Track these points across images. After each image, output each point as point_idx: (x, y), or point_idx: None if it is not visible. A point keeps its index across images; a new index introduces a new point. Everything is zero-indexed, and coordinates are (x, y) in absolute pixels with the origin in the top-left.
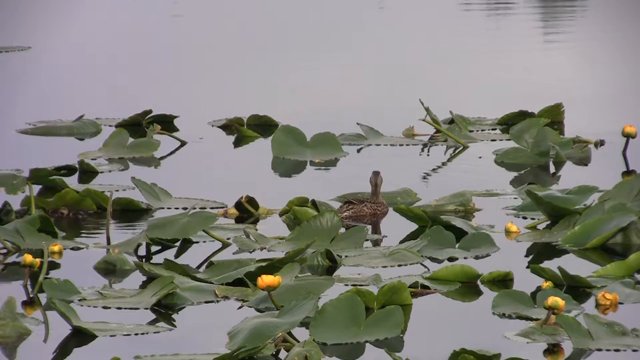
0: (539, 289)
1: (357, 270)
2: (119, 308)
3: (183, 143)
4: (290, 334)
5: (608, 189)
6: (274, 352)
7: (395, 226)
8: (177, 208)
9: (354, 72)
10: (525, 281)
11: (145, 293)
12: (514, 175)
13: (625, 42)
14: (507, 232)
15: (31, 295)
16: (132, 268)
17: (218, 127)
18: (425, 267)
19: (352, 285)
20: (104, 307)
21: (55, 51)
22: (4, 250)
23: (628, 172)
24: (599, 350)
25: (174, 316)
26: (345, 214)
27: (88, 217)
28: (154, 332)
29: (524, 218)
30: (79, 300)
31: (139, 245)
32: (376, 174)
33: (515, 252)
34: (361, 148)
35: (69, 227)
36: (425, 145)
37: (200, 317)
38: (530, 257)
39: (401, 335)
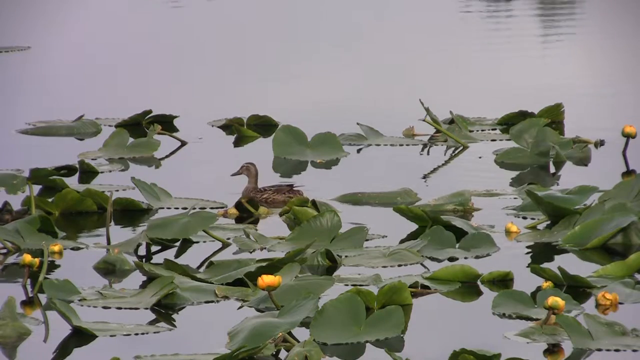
0: (539, 289)
1: (357, 270)
2: (119, 308)
3: (183, 143)
4: (290, 334)
5: (608, 189)
6: (274, 352)
7: (395, 226)
8: (177, 208)
9: (354, 72)
10: (525, 281)
11: (145, 293)
12: (514, 175)
13: (625, 42)
14: (507, 232)
15: (31, 295)
16: (132, 268)
17: (218, 127)
18: (425, 267)
19: (352, 285)
20: (104, 307)
21: (55, 51)
22: (4, 250)
23: (628, 172)
24: (599, 350)
25: (174, 316)
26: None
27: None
28: (154, 332)
29: (524, 218)
30: (79, 300)
31: (139, 245)
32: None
33: (515, 252)
34: (361, 148)
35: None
36: (425, 145)
37: (200, 317)
38: (530, 257)
39: (401, 335)
